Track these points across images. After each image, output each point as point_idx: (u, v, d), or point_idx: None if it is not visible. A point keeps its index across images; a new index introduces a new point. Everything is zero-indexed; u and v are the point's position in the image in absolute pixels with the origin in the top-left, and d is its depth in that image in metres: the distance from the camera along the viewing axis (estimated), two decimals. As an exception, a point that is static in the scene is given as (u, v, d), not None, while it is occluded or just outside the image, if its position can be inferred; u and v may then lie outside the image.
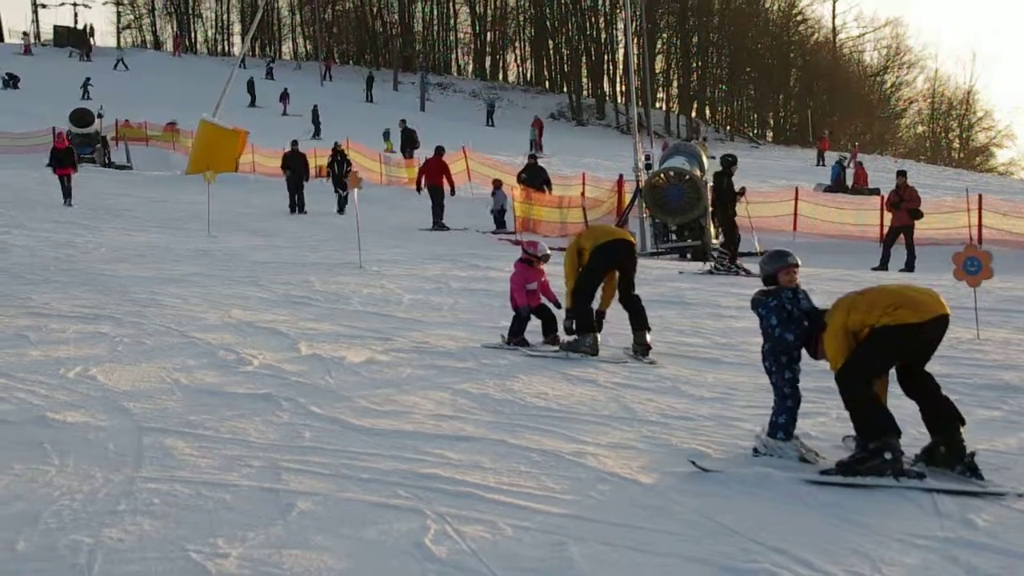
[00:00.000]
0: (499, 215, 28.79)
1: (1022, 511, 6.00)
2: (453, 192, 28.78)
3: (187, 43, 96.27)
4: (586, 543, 5.55)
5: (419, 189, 28.81)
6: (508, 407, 8.83)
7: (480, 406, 8.84)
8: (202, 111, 14.71)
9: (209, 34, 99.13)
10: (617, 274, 11.38)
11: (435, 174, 28.67)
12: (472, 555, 5.36)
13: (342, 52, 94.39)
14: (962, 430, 6.59)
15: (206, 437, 7.70)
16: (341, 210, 30.33)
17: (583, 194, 29.18)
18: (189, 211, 28.31)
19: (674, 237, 24.43)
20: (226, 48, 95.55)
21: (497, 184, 29.59)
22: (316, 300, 14.79)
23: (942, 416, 6.63)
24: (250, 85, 65.83)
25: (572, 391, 9.46)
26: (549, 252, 11.94)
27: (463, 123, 64.27)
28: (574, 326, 11.12)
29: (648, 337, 11.09)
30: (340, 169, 31.02)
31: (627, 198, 27.48)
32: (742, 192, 21.77)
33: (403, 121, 42.07)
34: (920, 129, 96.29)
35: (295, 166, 31.05)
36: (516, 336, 11.57)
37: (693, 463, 6.99)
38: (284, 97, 64.74)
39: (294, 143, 32.36)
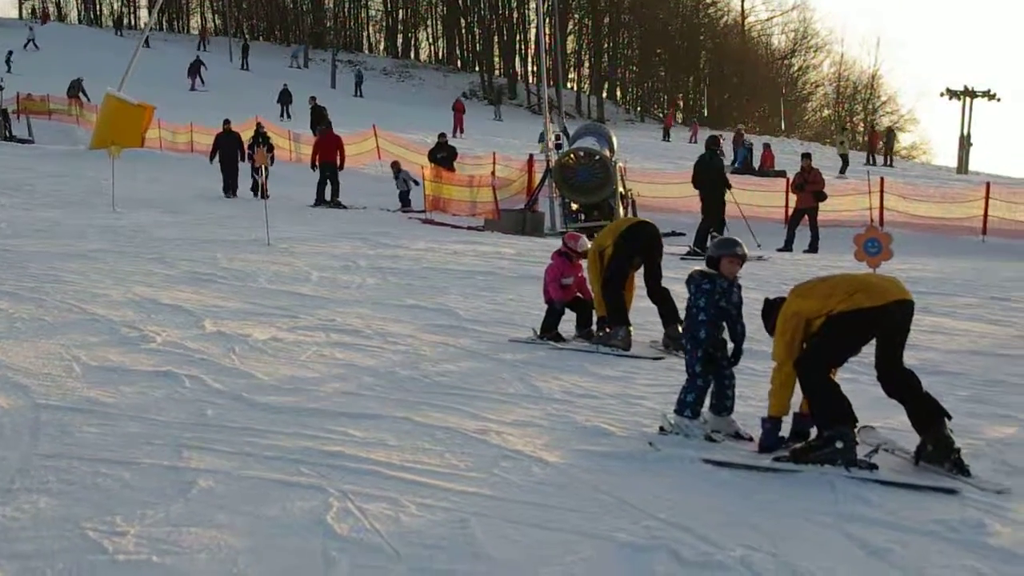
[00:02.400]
0: (404, 195, 28.59)
1: (913, 487, 6.12)
2: (342, 167, 28.29)
3: (92, 16, 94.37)
4: (488, 520, 5.56)
5: (313, 167, 28.24)
6: (414, 385, 8.81)
7: (385, 384, 8.82)
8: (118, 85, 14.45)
9: (115, 6, 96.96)
10: (642, 267, 10.82)
11: (328, 150, 28.17)
12: (374, 532, 5.34)
13: (252, 28, 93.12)
14: (948, 423, 6.51)
15: (106, 415, 7.57)
16: (259, 194, 27.60)
17: (493, 173, 29.18)
18: (93, 186, 27.74)
19: (583, 217, 24.56)
20: (132, 22, 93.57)
21: (396, 167, 29.41)
22: (222, 277, 14.62)
23: (926, 414, 6.55)
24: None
25: (478, 369, 9.47)
26: (589, 248, 11.08)
27: (374, 101, 63.81)
28: (607, 323, 10.58)
29: (680, 328, 10.56)
30: (262, 149, 29.33)
31: (537, 178, 27.54)
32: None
33: (313, 98, 41.68)
34: (826, 112, 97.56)
35: (227, 147, 29.16)
36: (550, 331, 10.91)
37: (650, 444, 7.03)
38: (194, 71, 63.22)
39: (226, 122, 30.09)
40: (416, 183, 28.72)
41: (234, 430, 7.25)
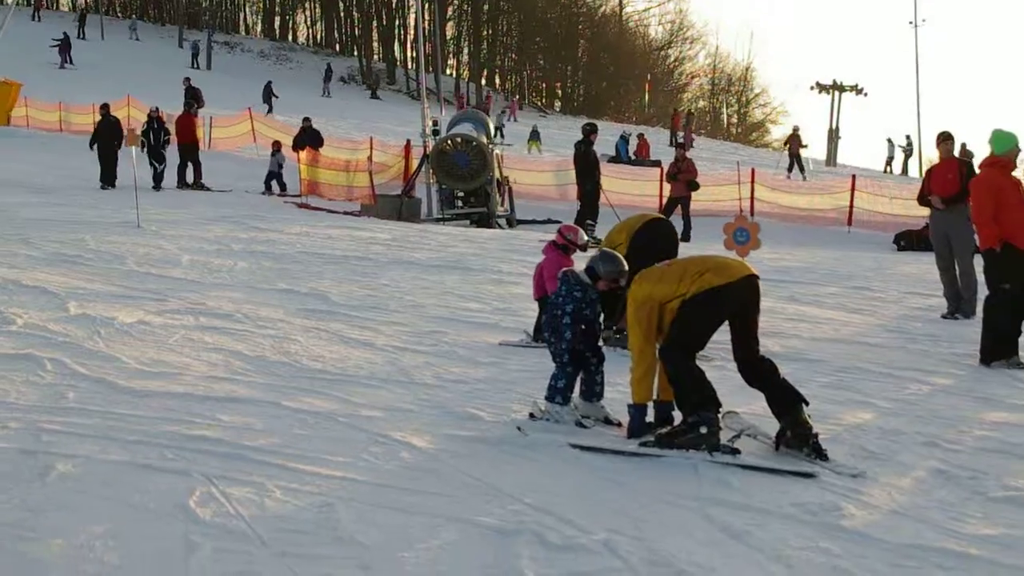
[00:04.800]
0: (276, 177, 28.21)
1: (773, 471, 6.26)
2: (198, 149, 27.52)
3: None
4: (354, 504, 5.53)
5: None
6: (283, 369, 8.73)
7: (255, 368, 8.72)
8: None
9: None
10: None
11: (186, 132, 27.45)
12: (238, 517, 5.28)
13: (123, 4, 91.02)
14: (805, 409, 6.63)
15: (-38, 398, 7.37)
16: (157, 186, 26.32)
17: (370, 158, 29.01)
18: (-46, 165, 26.93)
19: (460, 204, 24.58)
20: None
21: (277, 146, 29.06)
22: (89, 259, 14.31)
23: (784, 400, 6.67)
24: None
25: (349, 354, 9.42)
26: (588, 240, 10.56)
27: (251, 82, 62.93)
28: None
29: None
30: (158, 139, 26.82)
31: (414, 163, 27.47)
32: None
33: (187, 79, 40.93)
34: (701, 104, 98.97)
35: (106, 135, 26.76)
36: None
37: (519, 429, 7.05)
38: (63, 48, 61.49)
39: (104, 107, 28.13)
40: (281, 166, 28.34)
41: (96, 414, 7.11)
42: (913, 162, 49.51)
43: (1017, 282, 9.37)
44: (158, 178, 26.52)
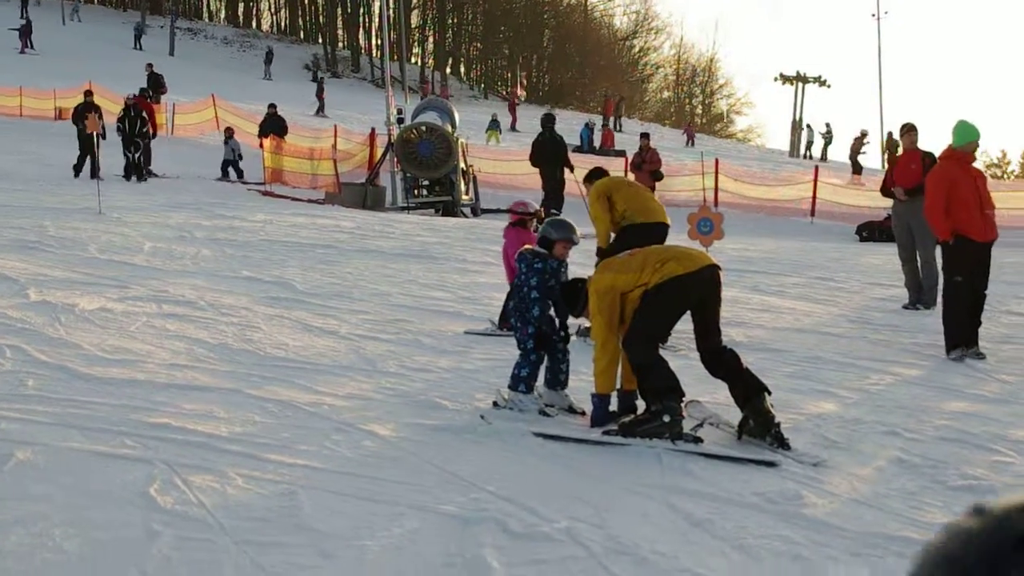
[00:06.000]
0: (231, 164, 28.05)
1: (735, 460, 6.29)
2: (154, 135, 26.60)
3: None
4: (316, 492, 5.52)
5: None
6: (246, 357, 8.70)
7: (217, 356, 8.69)
8: None
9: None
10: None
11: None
12: (199, 505, 5.26)
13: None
14: (768, 398, 6.68)
15: (-80, 386, 7.30)
16: (134, 175, 25.13)
17: (335, 146, 28.90)
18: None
19: (425, 192, 24.54)
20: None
21: (229, 132, 28.86)
22: (50, 246, 14.19)
23: (746, 390, 6.71)
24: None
25: (313, 342, 9.39)
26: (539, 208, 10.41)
27: (216, 70, 62.56)
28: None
29: None
30: (134, 128, 25.32)
31: (379, 152, 27.38)
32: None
33: (149, 65, 40.60)
34: (666, 94, 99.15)
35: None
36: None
37: (482, 417, 7.06)
38: (25, 33, 60.78)
39: (88, 94, 26.75)
40: (240, 156, 28.16)
41: (56, 401, 7.06)
42: (832, 149, 50.95)
43: (968, 274, 9.46)
44: (137, 168, 25.23)
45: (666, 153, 27.58)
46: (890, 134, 46.64)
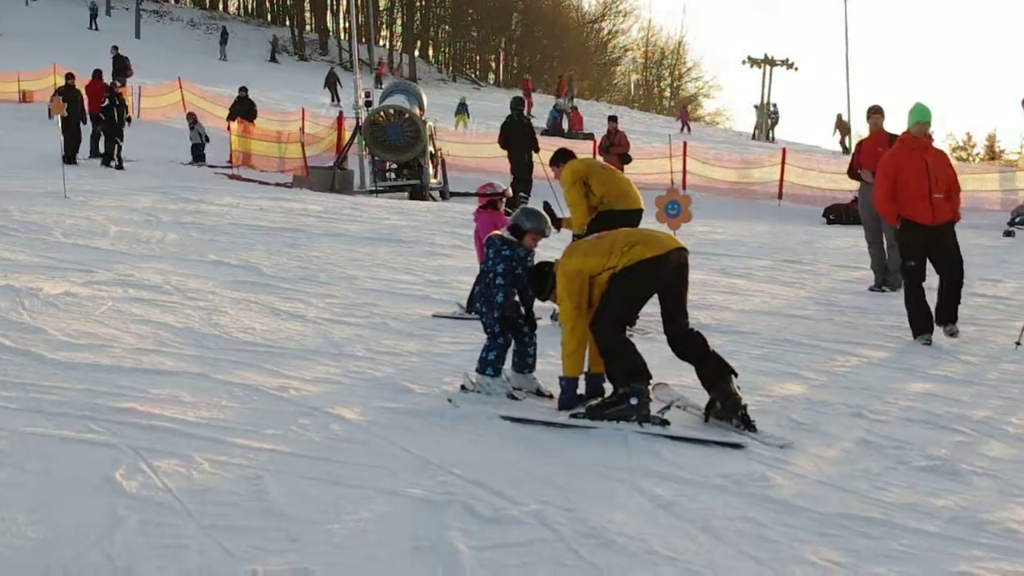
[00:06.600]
0: (197, 147, 27.91)
1: (702, 442, 6.31)
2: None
3: None
4: (283, 476, 5.50)
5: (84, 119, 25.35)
6: (213, 341, 8.65)
7: (183, 340, 8.64)
8: None
9: None
10: None
11: (96, 99, 25.88)
12: (165, 490, 5.22)
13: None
14: (735, 381, 6.70)
15: None
16: (112, 162, 24.63)
17: (302, 130, 28.78)
18: None
19: (393, 176, 24.49)
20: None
21: (192, 118, 28.68)
22: (14, 230, 14.08)
23: (713, 372, 6.73)
24: None
25: (280, 326, 9.36)
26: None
27: (181, 52, 62.13)
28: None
29: None
30: (120, 114, 24.88)
31: (347, 135, 27.29)
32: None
33: (115, 48, 40.26)
34: (635, 77, 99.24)
35: (70, 105, 23.07)
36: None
37: (450, 401, 7.05)
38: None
39: (69, 76, 26.10)
40: (207, 139, 28.03)
41: (20, 386, 6.99)
42: (778, 129, 52.39)
43: (921, 258, 9.50)
44: (117, 156, 24.72)
45: (635, 136, 27.59)
46: (839, 116, 47.52)
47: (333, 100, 45.70)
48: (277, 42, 74.03)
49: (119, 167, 24.29)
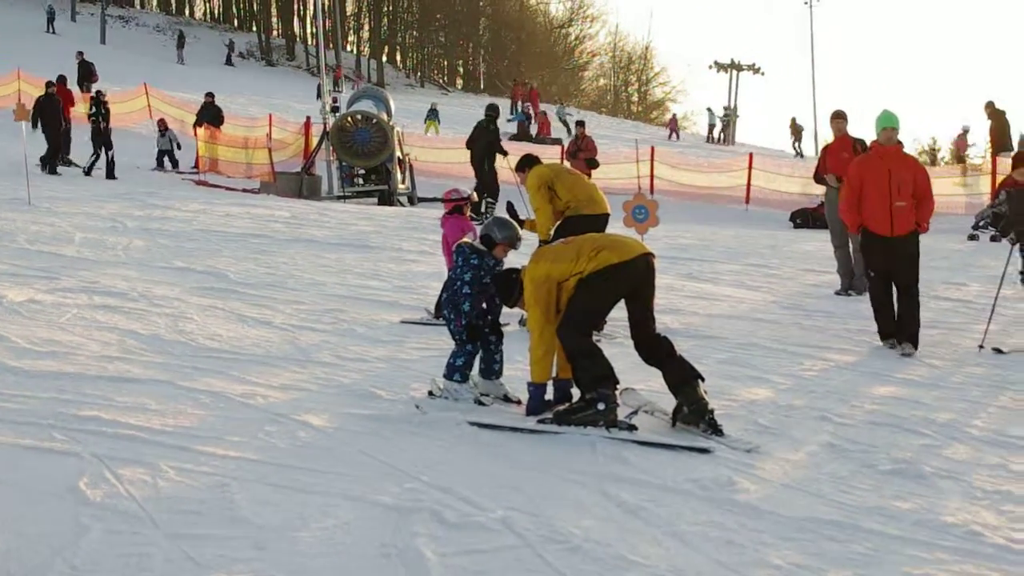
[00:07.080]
0: (167, 154, 27.77)
1: (669, 447, 6.32)
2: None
3: None
4: (249, 484, 5.47)
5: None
6: (179, 349, 8.61)
7: (149, 347, 8.59)
8: None
9: None
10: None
11: (66, 105, 25.65)
12: (129, 498, 5.19)
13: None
14: (701, 385, 6.71)
15: None
16: (109, 172, 24.28)
17: (269, 135, 28.66)
18: None
19: (361, 181, 24.43)
20: None
21: (163, 124, 28.54)
22: (-24, 237, 13.96)
23: (680, 377, 6.73)
24: None
25: (246, 333, 9.32)
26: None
27: (147, 57, 61.79)
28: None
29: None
30: (106, 123, 24.70)
31: (314, 141, 27.20)
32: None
33: (80, 53, 40.02)
34: (602, 82, 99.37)
35: (49, 112, 24.24)
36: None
37: (417, 407, 7.04)
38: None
39: (50, 84, 25.85)
40: (179, 146, 27.92)
41: (-17, 395, 6.94)
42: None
43: (881, 268, 9.52)
44: (109, 165, 24.38)
45: (603, 141, 27.63)
46: (793, 119, 48.12)
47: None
48: (233, 45, 73.62)
49: (110, 175, 24.11)
